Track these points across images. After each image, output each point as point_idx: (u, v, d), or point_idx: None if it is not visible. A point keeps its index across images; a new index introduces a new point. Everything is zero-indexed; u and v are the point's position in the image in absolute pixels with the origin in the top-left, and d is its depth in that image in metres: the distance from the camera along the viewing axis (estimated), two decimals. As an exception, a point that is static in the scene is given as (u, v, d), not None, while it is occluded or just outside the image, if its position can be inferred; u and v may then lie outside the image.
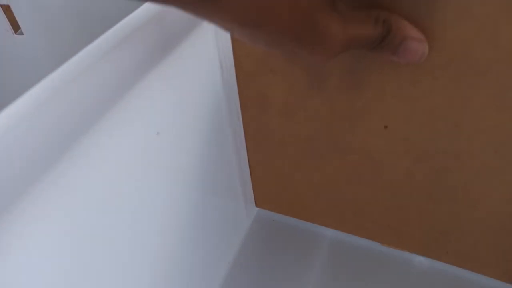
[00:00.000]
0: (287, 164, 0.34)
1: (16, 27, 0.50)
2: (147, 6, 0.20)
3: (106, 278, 0.21)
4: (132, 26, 0.18)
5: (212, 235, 0.33)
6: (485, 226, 0.30)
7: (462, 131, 0.25)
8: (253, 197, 0.40)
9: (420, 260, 0.37)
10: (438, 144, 0.26)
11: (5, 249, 0.14)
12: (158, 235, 0.25)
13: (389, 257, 0.38)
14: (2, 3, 0.48)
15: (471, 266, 0.34)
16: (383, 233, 0.36)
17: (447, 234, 0.32)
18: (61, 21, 0.48)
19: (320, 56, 0.18)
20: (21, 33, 0.50)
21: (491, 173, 0.26)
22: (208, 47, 0.26)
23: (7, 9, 0.48)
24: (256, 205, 0.41)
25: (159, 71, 0.21)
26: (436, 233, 0.33)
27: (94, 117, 0.17)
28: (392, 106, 0.26)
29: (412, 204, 0.32)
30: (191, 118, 0.26)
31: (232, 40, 0.27)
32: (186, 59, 0.24)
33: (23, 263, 0.15)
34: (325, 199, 0.36)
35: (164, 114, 0.23)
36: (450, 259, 0.35)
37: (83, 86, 0.16)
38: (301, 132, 0.31)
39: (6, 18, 0.49)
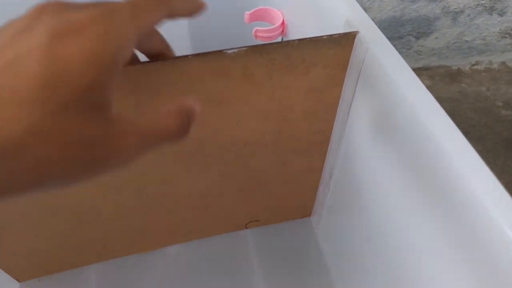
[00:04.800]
0: (23, 240, 0.38)
1: None
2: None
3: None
4: None
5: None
6: (188, 211, 0.41)
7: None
8: (10, 277, 0.43)
9: (173, 248, 0.46)
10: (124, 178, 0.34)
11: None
12: None
13: (150, 257, 0.46)
14: None
15: (204, 234, 0.46)
16: (134, 246, 0.45)
17: (174, 225, 0.42)
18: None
19: (120, 166, 0.18)
20: None
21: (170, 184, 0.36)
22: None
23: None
24: (19, 281, 0.44)
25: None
26: (169, 226, 0.43)
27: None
28: None
29: (129, 220, 0.39)
30: None
31: None
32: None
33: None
34: (69, 248, 0.41)
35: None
36: (192, 237, 0.46)
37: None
38: (16, 212, 0.34)
39: None
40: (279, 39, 0.47)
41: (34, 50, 0.15)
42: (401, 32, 0.84)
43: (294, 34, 0.44)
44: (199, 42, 0.58)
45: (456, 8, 0.81)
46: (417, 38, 0.86)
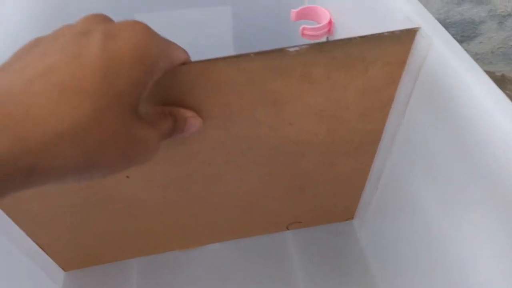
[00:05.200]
0: (71, 231, 0.39)
1: None
2: None
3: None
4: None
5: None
6: (232, 209, 0.40)
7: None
8: (57, 266, 0.43)
9: (213, 246, 0.46)
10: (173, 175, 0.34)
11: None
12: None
13: (190, 255, 0.45)
14: None
15: (244, 234, 0.46)
16: (175, 242, 0.45)
17: (216, 223, 0.42)
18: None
19: (146, 159, 0.21)
20: None
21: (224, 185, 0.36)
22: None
23: None
24: (65, 270, 0.45)
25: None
26: (211, 224, 0.42)
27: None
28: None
29: (173, 216, 0.39)
30: None
31: None
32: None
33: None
34: (114, 240, 0.42)
35: None
36: (232, 236, 0.46)
37: None
38: (67, 203, 0.35)
39: None
40: (324, 39, 0.46)
41: (93, 48, 0.17)
42: (444, 35, 0.81)
43: (342, 33, 0.43)
44: (242, 39, 0.58)
45: (503, 12, 0.78)
46: (461, 42, 0.83)
